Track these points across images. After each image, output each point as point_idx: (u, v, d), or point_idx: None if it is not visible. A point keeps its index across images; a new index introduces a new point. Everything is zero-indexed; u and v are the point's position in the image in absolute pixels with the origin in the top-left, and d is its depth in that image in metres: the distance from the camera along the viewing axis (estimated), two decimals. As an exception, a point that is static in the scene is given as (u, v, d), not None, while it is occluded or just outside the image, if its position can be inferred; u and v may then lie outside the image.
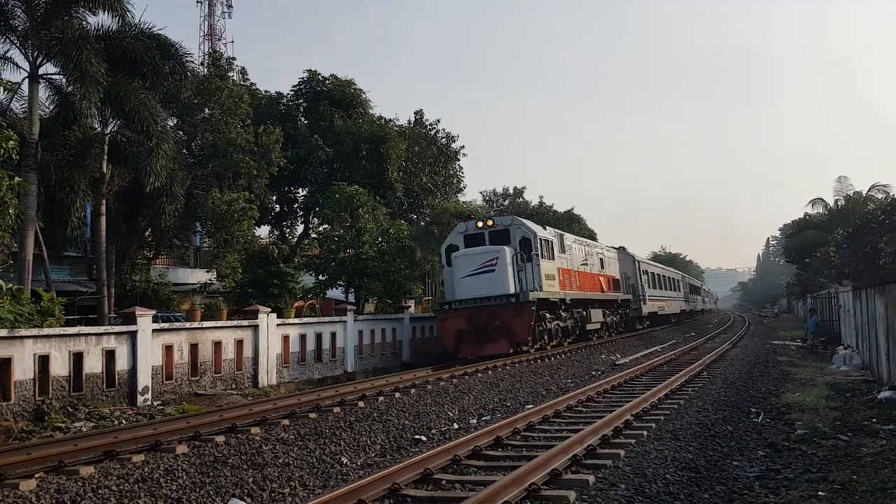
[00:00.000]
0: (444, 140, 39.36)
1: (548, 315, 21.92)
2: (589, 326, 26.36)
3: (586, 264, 27.56)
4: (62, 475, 7.38)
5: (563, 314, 23.45)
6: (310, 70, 34.87)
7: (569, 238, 26.46)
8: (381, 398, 12.21)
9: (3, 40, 19.84)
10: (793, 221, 58.36)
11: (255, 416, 10.47)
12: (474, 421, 11.36)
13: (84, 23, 20.79)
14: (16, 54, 20.06)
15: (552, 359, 20.58)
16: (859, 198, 40.20)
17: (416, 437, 10.01)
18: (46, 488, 6.88)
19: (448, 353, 21.29)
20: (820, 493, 6.93)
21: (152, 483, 7.19)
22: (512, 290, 20.11)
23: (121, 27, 21.16)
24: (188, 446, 8.62)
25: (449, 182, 39.21)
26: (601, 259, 30.43)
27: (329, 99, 33.97)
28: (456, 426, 10.88)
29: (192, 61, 23.91)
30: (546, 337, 22.09)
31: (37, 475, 7.32)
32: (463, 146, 40.28)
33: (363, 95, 35.47)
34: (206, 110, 27.81)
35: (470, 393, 13.49)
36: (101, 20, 21.07)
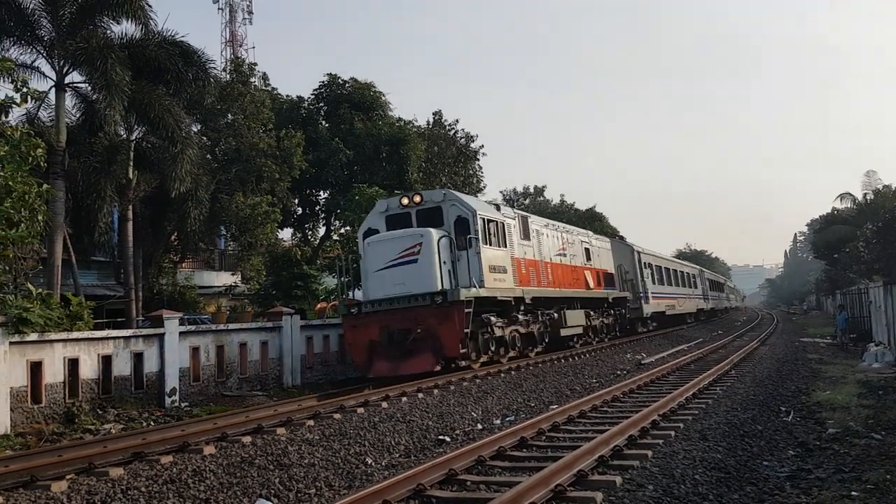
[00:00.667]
0: (463, 140, 39.37)
1: (496, 319, 17.00)
2: (565, 332, 21.18)
3: (564, 254, 22.62)
4: (92, 476, 7.48)
5: (522, 317, 18.60)
6: (330, 74, 35.12)
7: (537, 221, 21.59)
8: (404, 399, 12.23)
9: (30, 50, 20.24)
10: (820, 216, 57.53)
11: (281, 416, 10.54)
12: (498, 421, 11.31)
13: (108, 32, 21.17)
14: (42, 64, 20.50)
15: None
16: (889, 192, 39.51)
17: (440, 437, 9.99)
18: (77, 489, 6.98)
19: (360, 371, 16.56)
20: (853, 493, 6.80)
21: (181, 484, 7.26)
22: (437, 287, 15.33)
23: (144, 35, 21.47)
24: (215, 447, 8.70)
25: (469, 182, 39.20)
26: (587, 249, 25.32)
27: (349, 102, 34.14)
28: (479, 427, 10.84)
29: (214, 67, 24.23)
30: (494, 347, 17.25)
31: (68, 476, 7.43)
32: (482, 146, 40.28)
33: (383, 98, 35.63)
34: (229, 116, 28.12)
35: (493, 393, 13.45)
36: (124, 29, 21.45)
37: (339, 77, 35.15)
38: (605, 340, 25.72)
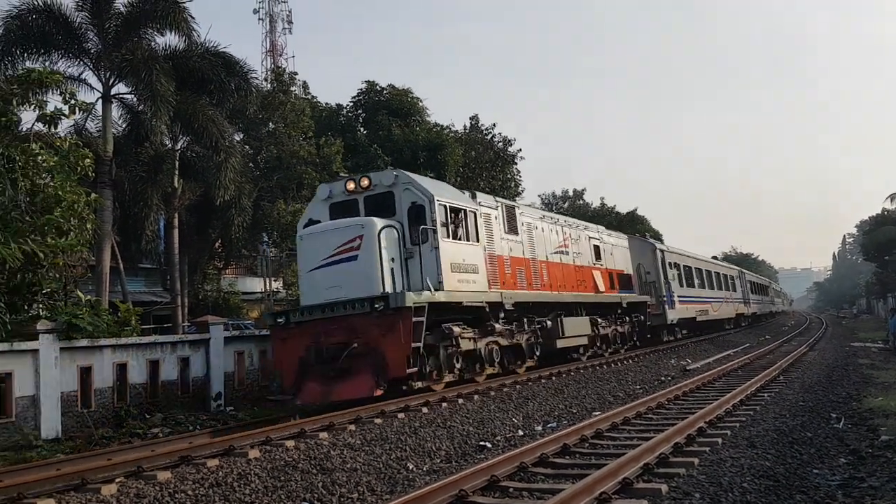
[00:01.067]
0: (500, 144, 39.35)
1: (460, 330, 13.81)
2: (563, 343, 18.12)
3: (565, 252, 19.56)
4: (141, 479, 7.63)
5: (502, 326, 15.37)
6: (368, 81, 35.51)
7: (529, 213, 18.60)
8: (444, 404, 12.22)
9: (77, 62, 20.87)
10: (870, 217, 55.92)
11: (323, 420, 10.62)
12: (539, 428, 11.22)
13: (153, 43, 21.71)
14: (89, 76, 21.11)
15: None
16: (942, 192, 38.23)
17: (481, 443, 9.95)
18: (126, 492, 7.12)
19: (286, 395, 14.14)
20: (910, 502, 6.56)
21: (226, 487, 7.36)
22: (379, 290, 12.50)
23: (187, 46, 21.99)
24: (260, 451, 8.80)
25: (507, 186, 39.14)
26: (596, 246, 22.15)
27: (387, 108, 34.42)
28: (521, 433, 10.77)
29: (255, 77, 24.69)
30: (461, 363, 14.11)
31: (117, 479, 7.59)
32: (520, 149, 40.21)
33: (420, 104, 35.84)
34: (271, 124, 28.61)
35: (534, 399, 13.35)
36: (168, 40, 21.98)
37: (376, 84, 35.54)
38: (622, 351, 22.67)
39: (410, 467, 8.55)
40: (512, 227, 16.73)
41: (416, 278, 13.14)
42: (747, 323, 46.48)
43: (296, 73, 34.48)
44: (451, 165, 32.90)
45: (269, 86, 30.32)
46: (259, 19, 68.24)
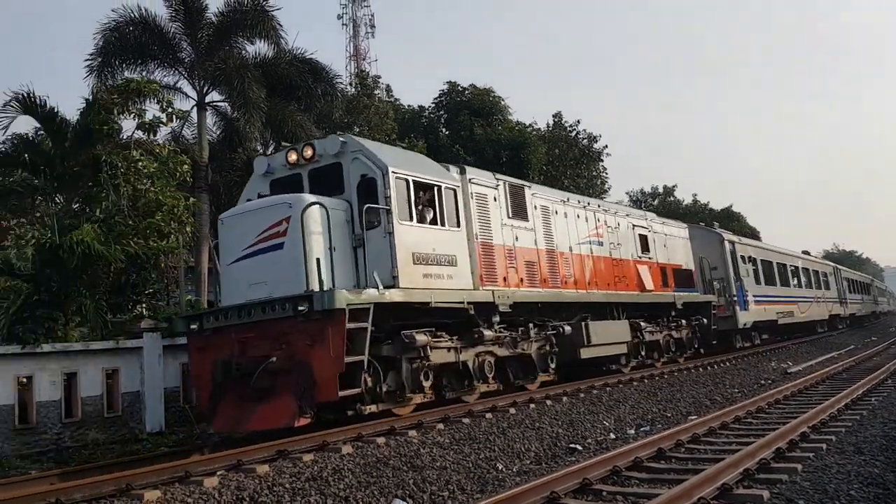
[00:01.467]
0: (585, 141, 38.72)
1: (427, 339, 10.93)
2: (589, 353, 14.78)
3: (598, 242, 16.48)
4: (241, 473, 7.91)
5: (498, 333, 12.55)
6: (449, 81, 35.62)
7: (545, 195, 15.39)
8: (532, 405, 12.12)
9: (172, 72, 21.84)
10: None
11: (412, 419, 10.73)
12: (632, 431, 10.99)
13: (243, 52, 22.47)
14: (184, 84, 22.04)
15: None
16: None
17: (571, 445, 9.82)
18: (227, 485, 7.39)
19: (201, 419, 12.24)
20: None
21: (321, 482, 7.54)
22: (304, 287, 9.78)
23: (276, 54, 22.63)
24: (352, 447, 8.98)
25: (592, 184, 38.47)
26: (642, 236, 18.83)
27: (469, 108, 34.45)
28: (612, 436, 10.58)
29: (340, 82, 25.18)
30: (430, 379, 11.11)
31: (218, 473, 7.90)
32: (606, 146, 39.42)
33: (502, 102, 35.69)
34: (356, 128, 29.14)
35: (626, 402, 13.07)
36: (258, 49, 22.67)
37: (458, 84, 35.63)
38: (681, 360, 19.50)
39: (500, 467, 8.53)
40: (519, 211, 13.96)
41: (363, 272, 10.64)
42: (845, 325, 42.70)
43: (379, 77, 35.03)
44: (534, 164, 32.61)
45: (353, 90, 30.90)
46: (343, 25, 69.76)
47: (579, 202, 16.76)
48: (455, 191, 12.22)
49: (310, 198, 10.40)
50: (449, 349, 11.62)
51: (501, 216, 13.38)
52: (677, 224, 22.51)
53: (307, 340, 9.62)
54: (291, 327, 9.72)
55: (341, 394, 9.56)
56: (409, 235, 10.98)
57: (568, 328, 14.32)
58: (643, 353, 17.67)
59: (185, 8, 21.13)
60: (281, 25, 22.18)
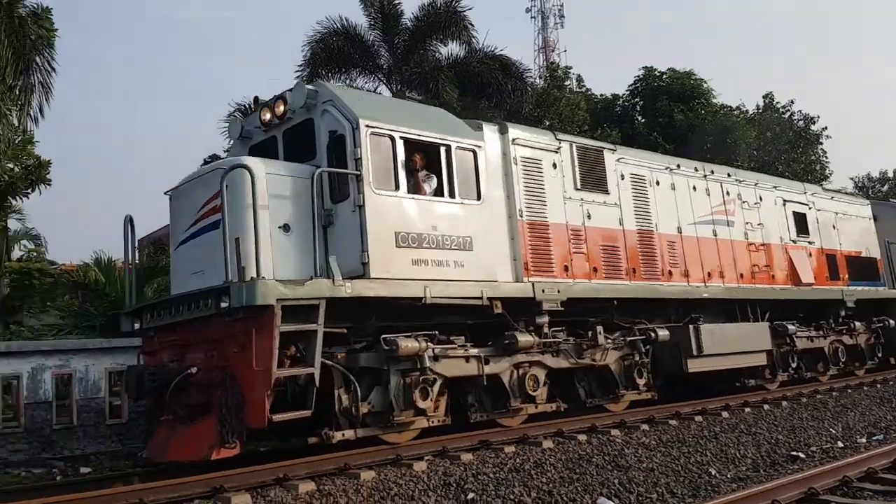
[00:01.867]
0: (801, 123, 35.45)
1: (418, 346, 8.43)
2: (699, 365, 11.36)
3: (724, 221, 13.18)
4: (446, 459, 8.16)
5: (556, 339, 10.01)
6: (645, 67, 34.23)
7: (639, 159, 12.26)
8: (747, 409, 11.31)
9: (372, 78, 23.15)
10: None
11: (615, 418, 10.45)
12: (863, 440, 9.94)
13: (437, 54, 23.24)
14: (382, 88, 23.28)
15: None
16: None
17: (792, 453, 9.11)
18: (435, 470, 7.68)
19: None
20: None
21: (524, 474, 7.60)
22: (227, 277, 7.55)
23: (467, 53, 23.16)
24: (553, 442, 8.94)
25: (811, 169, 35.12)
26: (798, 214, 15.09)
27: (667, 93, 32.91)
28: (840, 445, 9.62)
29: (530, 76, 25.17)
30: (428, 398, 8.63)
31: (426, 458, 8.23)
32: (825, 127, 35.80)
33: (704, 84, 33.68)
34: (546, 122, 29.02)
35: (855, 408, 11.82)
36: (450, 49, 23.36)
37: (654, 69, 34.17)
38: (859, 372, 15.54)
39: (713, 472, 8.09)
40: (593, 181, 11.01)
41: (323, 257, 8.13)
42: None
43: (570, 68, 34.58)
44: (742, 149, 30.51)
45: (543, 83, 30.75)
46: (531, 17, 69.74)
47: (697, 170, 13.36)
48: (475, 152, 9.46)
49: (257, 163, 8.25)
50: (467, 358, 9.10)
51: (564, 187, 10.61)
52: (855, 200, 18.60)
53: (234, 347, 7.59)
54: (222, 329, 7.75)
55: (276, 418, 7.36)
56: (392, 209, 8.49)
57: (663, 332, 11.07)
58: (793, 365, 13.67)
59: (383, 15, 22.33)
60: (472, 25, 22.69)
